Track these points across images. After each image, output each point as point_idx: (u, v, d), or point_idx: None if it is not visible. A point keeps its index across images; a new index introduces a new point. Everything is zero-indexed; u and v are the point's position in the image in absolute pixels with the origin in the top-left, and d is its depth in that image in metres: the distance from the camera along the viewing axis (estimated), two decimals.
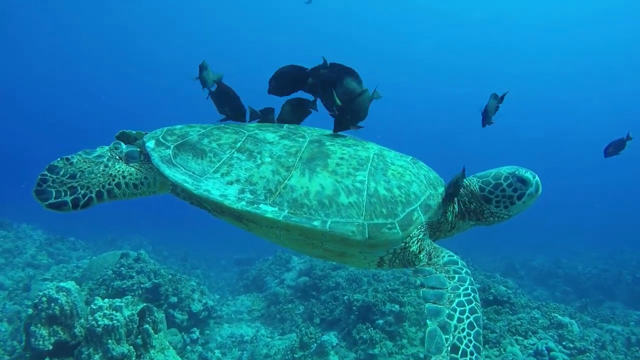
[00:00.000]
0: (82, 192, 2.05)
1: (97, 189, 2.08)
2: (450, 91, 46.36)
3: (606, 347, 5.77)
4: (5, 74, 40.90)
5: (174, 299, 6.54)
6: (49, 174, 2.03)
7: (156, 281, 6.51)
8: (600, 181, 41.45)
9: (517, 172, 2.17)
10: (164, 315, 4.30)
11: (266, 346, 6.22)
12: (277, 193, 1.95)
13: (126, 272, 6.55)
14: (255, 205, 1.91)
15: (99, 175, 2.12)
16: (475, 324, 1.77)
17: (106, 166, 2.15)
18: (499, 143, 44.72)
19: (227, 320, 7.85)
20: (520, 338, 5.47)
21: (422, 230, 2.07)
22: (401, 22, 43.89)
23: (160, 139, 2.20)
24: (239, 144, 2.17)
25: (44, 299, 3.59)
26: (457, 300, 1.84)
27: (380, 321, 5.73)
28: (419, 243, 2.06)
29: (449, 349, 1.70)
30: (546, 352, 4.83)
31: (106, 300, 3.49)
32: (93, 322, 3.40)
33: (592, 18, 39.70)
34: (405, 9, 42.23)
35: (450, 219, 2.26)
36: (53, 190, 2.00)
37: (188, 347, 6.29)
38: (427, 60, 46.69)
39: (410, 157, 2.36)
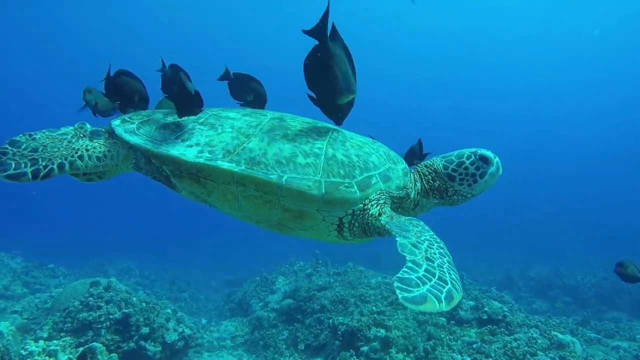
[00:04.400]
0: (43, 163, 2.02)
1: (59, 161, 2.07)
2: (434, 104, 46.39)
3: None
4: None
5: (145, 330, 6.08)
6: (9, 147, 2.03)
7: (126, 311, 6.07)
8: (599, 188, 41.16)
9: (478, 151, 2.28)
10: (116, 355, 3.85)
11: None
12: (235, 153, 2.01)
13: (94, 302, 6.10)
14: (212, 161, 1.97)
15: (62, 149, 2.12)
16: (446, 255, 1.77)
17: (69, 142, 2.18)
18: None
19: (208, 349, 7.36)
20: None
21: (383, 197, 2.10)
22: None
23: (126, 118, 2.30)
24: (201, 119, 2.25)
25: None
26: (423, 237, 1.84)
27: (365, 348, 5.27)
28: (379, 207, 2.07)
29: (424, 257, 1.70)
30: None
31: (40, 342, 3.07)
32: None
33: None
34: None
35: (412, 196, 2.32)
36: (12, 162, 1.98)
37: None
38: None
39: (370, 138, 2.43)
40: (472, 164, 2.26)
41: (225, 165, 1.95)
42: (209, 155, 2.00)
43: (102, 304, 6.10)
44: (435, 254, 1.75)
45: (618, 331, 8.23)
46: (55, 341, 3.15)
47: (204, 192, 2.13)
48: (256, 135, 2.11)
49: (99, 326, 5.77)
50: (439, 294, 1.51)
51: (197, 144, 2.07)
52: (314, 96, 2.12)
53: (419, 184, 2.36)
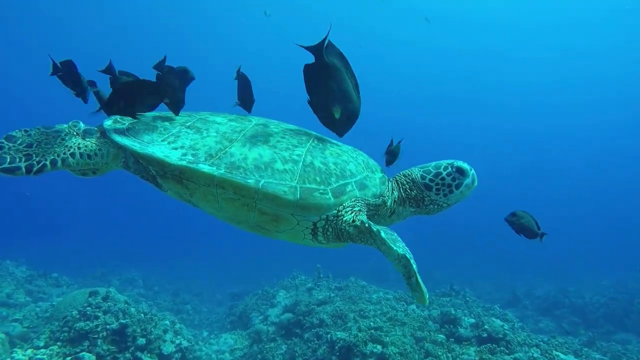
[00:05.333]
0: (37, 159, 2.13)
1: (52, 157, 2.18)
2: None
3: None
4: None
5: (142, 341, 6.05)
6: (5, 142, 2.15)
7: (123, 321, 6.05)
8: (610, 205, 40.54)
9: (455, 163, 2.34)
10: None
11: None
12: (217, 157, 2.10)
13: (92, 312, 6.09)
14: (195, 164, 2.05)
15: (55, 146, 2.24)
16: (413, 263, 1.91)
17: (63, 139, 2.29)
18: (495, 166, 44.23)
19: None
20: None
21: (358, 204, 2.16)
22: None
23: (118, 119, 2.38)
24: (188, 123, 2.35)
25: None
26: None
27: None
28: (353, 214, 2.11)
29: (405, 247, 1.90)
30: None
31: (29, 351, 3.07)
32: None
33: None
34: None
35: (389, 204, 2.39)
36: (7, 156, 2.09)
37: None
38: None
39: (351, 146, 2.52)
40: (448, 174, 2.33)
41: (205, 168, 2.04)
42: (192, 158, 2.09)
43: (100, 314, 6.09)
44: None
45: (626, 353, 8.01)
46: (42, 350, 3.13)
47: (186, 193, 2.22)
48: (239, 140, 2.19)
49: (96, 336, 5.74)
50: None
51: (182, 147, 2.16)
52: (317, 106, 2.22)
53: (396, 193, 2.43)
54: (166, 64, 2.37)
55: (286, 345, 7.13)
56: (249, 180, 2.01)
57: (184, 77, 2.38)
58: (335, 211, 2.12)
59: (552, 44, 40.52)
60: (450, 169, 2.34)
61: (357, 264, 17.64)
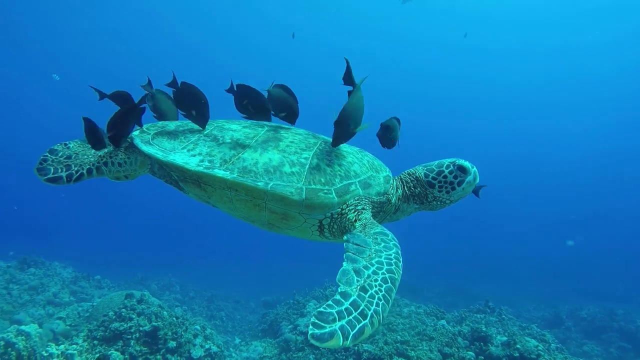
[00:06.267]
0: (75, 169, 2.44)
1: (88, 167, 2.48)
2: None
3: None
4: None
5: (172, 344, 6.22)
6: (49, 155, 2.48)
7: (156, 324, 6.25)
8: None
9: (457, 162, 2.46)
10: None
11: None
12: (231, 162, 2.27)
13: (126, 313, 6.33)
14: (210, 170, 2.23)
15: (90, 156, 2.54)
16: (389, 281, 1.84)
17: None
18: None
19: None
20: None
21: (362, 203, 2.30)
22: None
23: (144, 129, 2.59)
24: (206, 131, 2.54)
25: (2, 342, 3.40)
26: (377, 259, 1.93)
27: None
28: (356, 213, 2.26)
29: (358, 287, 1.78)
30: None
31: (62, 346, 3.24)
32: None
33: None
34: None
35: (393, 201, 2.51)
36: (51, 167, 2.42)
37: None
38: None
39: (358, 148, 2.65)
40: (450, 172, 2.46)
41: (220, 173, 2.20)
42: (208, 164, 2.26)
43: (134, 316, 6.32)
44: (377, 280, 1.83)
45: None
46: (73, 345, 3.31)
47: (205, 195, 2.42)
48: (251, 146, 2.36)
49: (129, 337, 5.96)
50: (350, 330, 1.59)
51: (200, 154, 2.34)
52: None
53: (400, 190, 2.57)
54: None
55: (314, 355, 7.11)
56: (259, 183, 2.16)
57: (197, 95, 2.48)
58: (339, 209, 2.25)
59: (553, 40, 39.40)
60: (452, 167, 2.46)
61: None
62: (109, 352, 3.65)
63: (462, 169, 2.44)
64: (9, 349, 3.40)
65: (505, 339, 5.94)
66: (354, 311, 1.67)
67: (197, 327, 6.96)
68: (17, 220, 28.73)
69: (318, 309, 1.65)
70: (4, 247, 14.57)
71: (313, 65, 43.71)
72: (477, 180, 2.48)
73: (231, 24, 41.64)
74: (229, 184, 2.21)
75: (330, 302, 1.71)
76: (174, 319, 6.67)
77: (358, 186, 2.29)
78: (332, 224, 2.32)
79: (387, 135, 2.57)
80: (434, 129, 46.93)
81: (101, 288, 11.66)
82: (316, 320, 1.59)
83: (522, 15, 37.76)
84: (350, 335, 1.57)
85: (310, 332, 1.54)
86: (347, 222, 2.25)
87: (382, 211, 2.48)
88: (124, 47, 40.19)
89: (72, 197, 33.46)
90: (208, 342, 6.82)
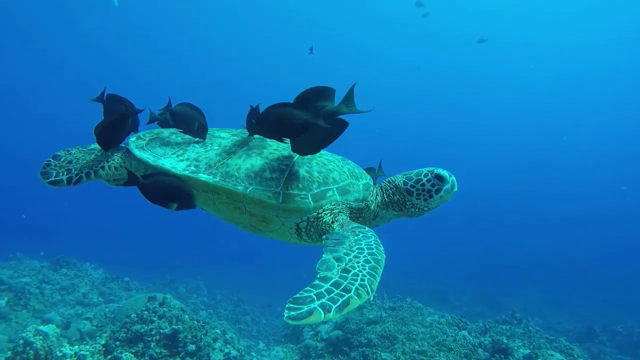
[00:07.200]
0: (75, 172, 2.61)
1: (87, 170, 2.63)
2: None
3: None
4: None
5: (192, 347, 6.30)
6: (52, 160, 2.66)
7: (176, 327, 6.35)
8: None
9: (435, 170, 2.54)
10: None
11: None
12: (215, 167, 2.43)
13: (148, 316, 6.46)
14: (195, 174, 2.39)
15: (89, 161, 2.71)
16: (372, 261, 1.87)
17: (96, 155, 2.74)
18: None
19: None
20: None
21: (339, 207, 2.39)
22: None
23: (140, 135, 2.78)
24: (197, 138, 2.69)
25: (21, 342, 3.52)
26: (357, 246, 1.99)
27: None
28: (333, 216, 2.35)
29: (340, 270, 1.80)
30: None
31: (75, 346, 3.33)
32: None
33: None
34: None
35: (372, 207, 2.61)
36: (54, 171, 2.60)
37: None
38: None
39: (341, 156, 2.77)
40: (428, 181, 2.54)
41: (203, 177, 2.37)
42: (194, 169, 2.43)
43: (155, 318, 6.44)
44: (359, 261, 1.86)
45: None
46: (86, 346, 3.40)
47: None
48: (237, 153, 2.52)
49: (150, 339, 6.07)
50: (332, 304, 1.57)
51: (188, 159, 2.52)
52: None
53: (379, 197, 2.67)
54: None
55: None
56: (239, 187, 2.31)
57: (189, 113, 2.63)
58: (315, 213, 2.36)
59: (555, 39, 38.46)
60: (430, 175, 2.54)
61: (418, 284, 17.15)
62: (121, 355, 3.73)
63: (440, 178, 2.52)
64: (27, 348, 3.52)
65: (527, 351, 5.73)
66: (335, 289, 1.66)
67: (218, 330, 7.03)
68: (48, 222, 29.96)
69: (294, 295, 1.61)
70: (35, 247, 15.05)
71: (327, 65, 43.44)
72: (456, 189, 2.55)
73: (256, 24, 41.90)
74: (211, 187, 2.37)
75: (307, 287, 1.69)
76: (195, 322, 6.75)
77: (336, 192, 2.40)
78: (309, 227, 2.42)
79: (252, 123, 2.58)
80: (441, 127, 46.50)
81: (129, 290, 11.96)
82: (291, 305, 1.56)
83: (530, 11, 37.44)
84: (333, 308, 1.56)
85: (285, 315, 1.51)
86: (324, 225, 2.35)
87: (361, 217, 2.58)
88: (138, 46, 39.97)
89: (101, 202, 34.46)
90: (228, 346, 6.87)
